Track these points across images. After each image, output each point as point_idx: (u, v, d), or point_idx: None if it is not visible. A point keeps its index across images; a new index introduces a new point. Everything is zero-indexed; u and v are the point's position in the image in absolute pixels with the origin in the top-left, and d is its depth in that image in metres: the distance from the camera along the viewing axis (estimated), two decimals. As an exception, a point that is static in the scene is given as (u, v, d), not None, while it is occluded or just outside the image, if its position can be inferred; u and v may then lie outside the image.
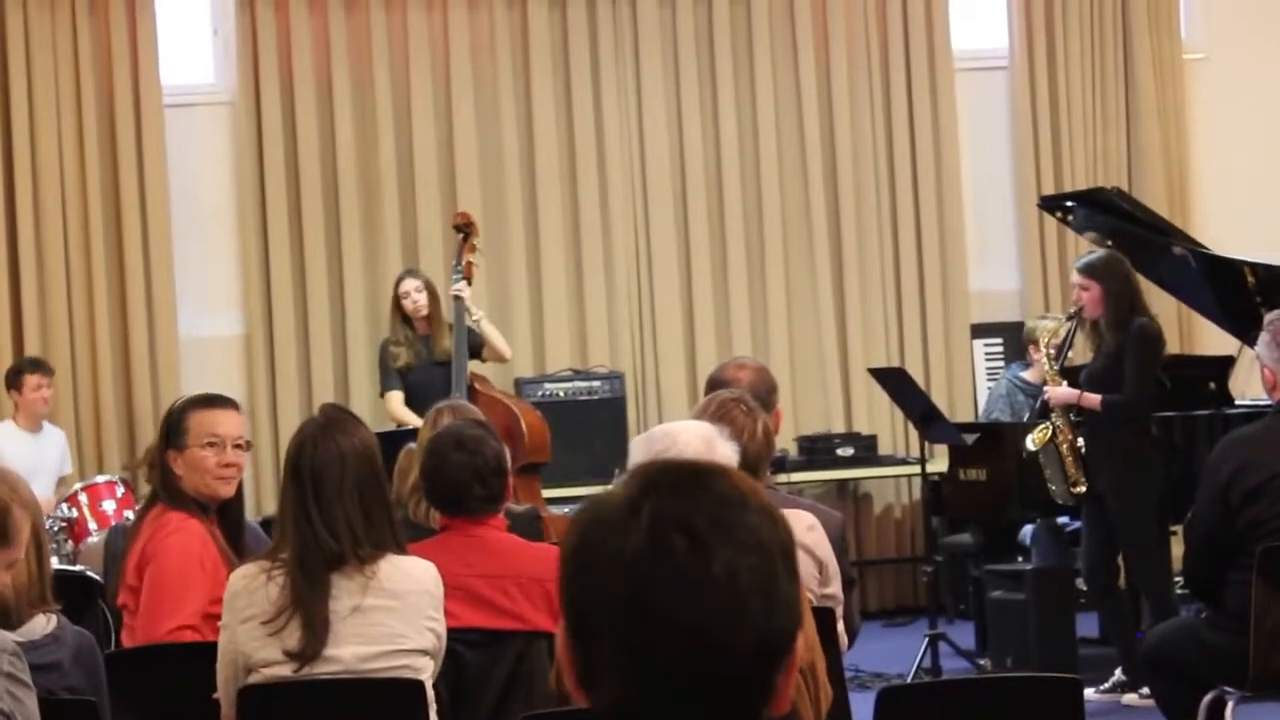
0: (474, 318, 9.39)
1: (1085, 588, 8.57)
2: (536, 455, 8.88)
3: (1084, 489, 8.28)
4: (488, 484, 5.00)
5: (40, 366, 9.72)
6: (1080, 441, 8.33)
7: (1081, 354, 9.94)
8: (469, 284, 9.38)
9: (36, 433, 9.69)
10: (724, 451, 4.49)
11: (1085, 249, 9.46)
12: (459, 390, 8.93)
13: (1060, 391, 8.38)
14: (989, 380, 10.96)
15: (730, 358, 7.39)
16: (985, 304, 11.32)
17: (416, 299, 9.61)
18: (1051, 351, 8.59)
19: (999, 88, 11.50)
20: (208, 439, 5.12)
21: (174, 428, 5.18)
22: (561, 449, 9.26)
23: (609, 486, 1.99)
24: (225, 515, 5.25)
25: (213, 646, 4.54)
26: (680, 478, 1.89)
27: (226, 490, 5.19)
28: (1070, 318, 8.56)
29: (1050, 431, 8.42)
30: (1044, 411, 8.73)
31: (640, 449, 4.47)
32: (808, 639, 4.28)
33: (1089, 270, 8.23)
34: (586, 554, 1.85)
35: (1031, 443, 8.47)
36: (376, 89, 10.59)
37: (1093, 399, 8.22)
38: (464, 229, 9.45)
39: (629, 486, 1.88)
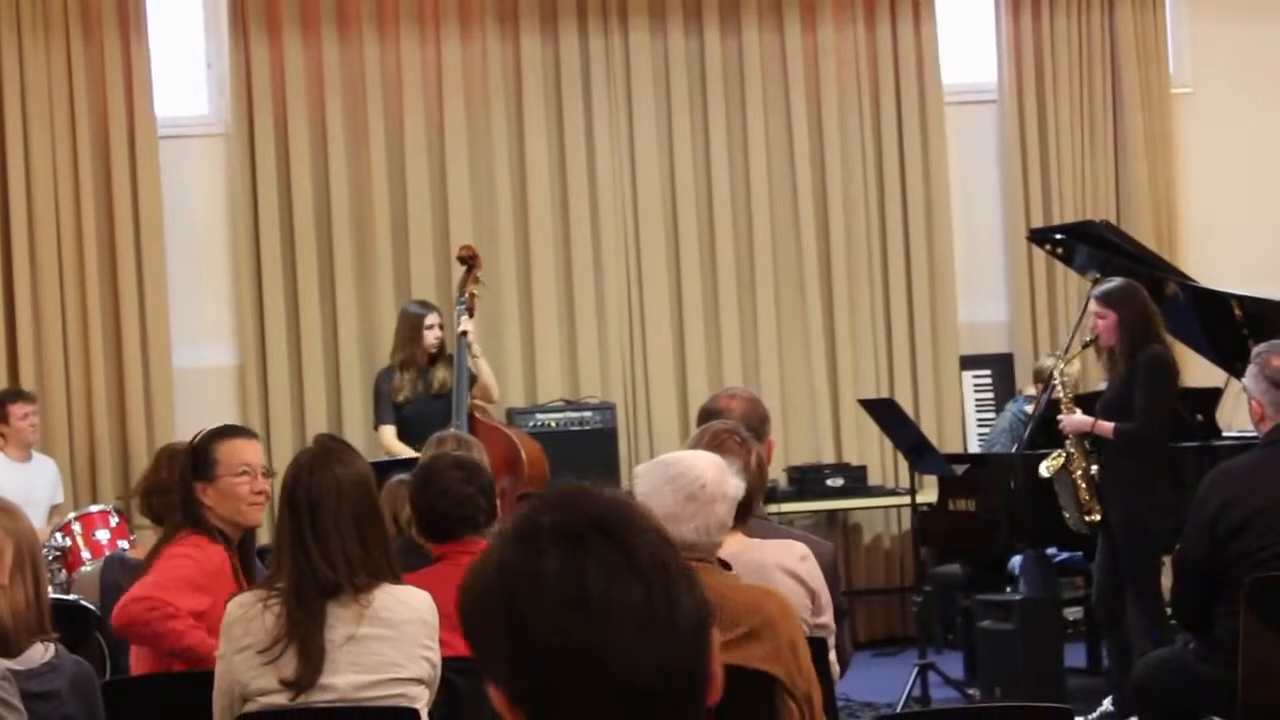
0: (474, 354, 9.43)
1: (1096, 615, 8.59)
2: (535, 485, 8.92)
3: (1098, 518, 8.28)
4: (481, 505, 5.12)
5: (22, 395, 9.75)
6: (1095, 469, 8.35)
7: (1091, 381, 10.00)
8: (471, 315, 9.41)
9: (26, 462, 9.69)
10: (734, 482, 4.49)
11: (1075, 282, 9.49)
12: (459, 420, 8.97)
13: (1074, 419, 8.36)
14: (978, 412, 11.00)
15: (721, 388, 7.43)
16: (974, 336, 11.34)
17: (440, 334, 9.66)
18: (1067, 378, 8.63)
19: (988, 121, 11.53)
20: (240, 468, 5.27)
21: (201, 460, 5.28)
22: (552, 479, 9.27)
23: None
24: (242, 546, 5.34)
25: (209, 675, 4.56)
26: (562, 496, 1.86)
27: (257, 516, 5.36)
28: (1085, 345, 8.59)
29: (1064, 458, 8.43)
30: (1036, 439, 8.77)
31: (654, 475, 4.43)
32: (805, 670, 4.30)
33: (1106, 298, 8.19)
34: (539, 596, 1.78)
35: (1045, 469, 8.46)
36: (369, 121, 10.62)
37: (1106, 427, 8.16)
38: (468, 261, 9.48)
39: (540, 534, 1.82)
